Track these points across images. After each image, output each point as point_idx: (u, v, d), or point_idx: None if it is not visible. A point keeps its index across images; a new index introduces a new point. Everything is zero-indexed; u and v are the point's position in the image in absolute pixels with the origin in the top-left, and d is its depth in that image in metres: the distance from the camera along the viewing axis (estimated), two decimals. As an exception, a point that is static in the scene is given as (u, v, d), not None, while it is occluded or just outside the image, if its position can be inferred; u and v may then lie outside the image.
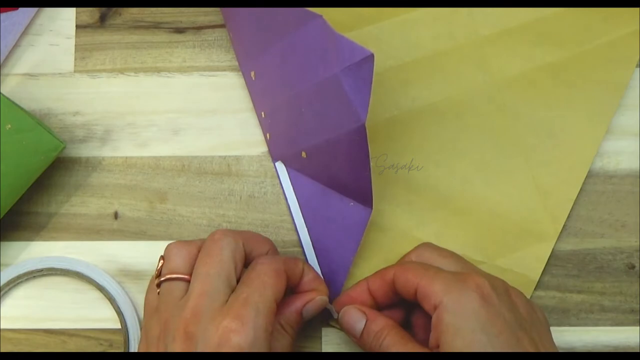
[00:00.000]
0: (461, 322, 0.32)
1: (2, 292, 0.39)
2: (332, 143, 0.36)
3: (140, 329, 0.39)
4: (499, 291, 0.33)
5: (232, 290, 0.33)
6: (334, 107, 0.35)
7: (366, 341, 0.36)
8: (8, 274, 0.39)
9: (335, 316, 0.38)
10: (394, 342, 0.34)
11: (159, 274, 0.35)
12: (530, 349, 0.32)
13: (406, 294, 0.34)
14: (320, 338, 0.39)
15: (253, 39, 0.39)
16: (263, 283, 0.33)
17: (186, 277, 0.34)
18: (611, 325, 0.39)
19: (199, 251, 0.35)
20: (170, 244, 0.35)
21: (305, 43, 0.35)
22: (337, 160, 0.37)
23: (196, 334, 0.31)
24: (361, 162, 0.35)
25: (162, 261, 0.35)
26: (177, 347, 0.31)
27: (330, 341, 0.39)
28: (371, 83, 0.33)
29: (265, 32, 0.38)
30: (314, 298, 0.36)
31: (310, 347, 0.39)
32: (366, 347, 0.35)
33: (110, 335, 0.39)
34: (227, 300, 0.32)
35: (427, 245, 0.38)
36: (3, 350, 0.39)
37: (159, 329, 0.33)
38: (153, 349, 0.33)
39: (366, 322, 0.36)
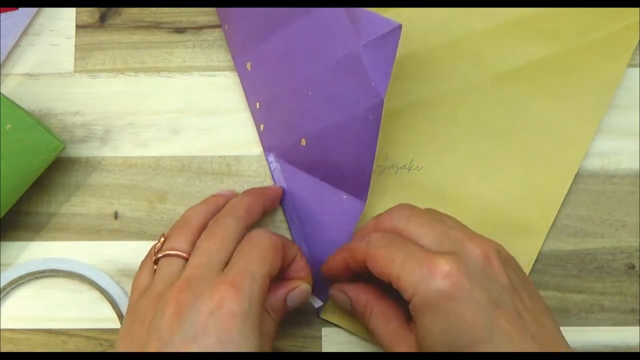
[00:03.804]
0: (430, 323, 0.31)
1: (4, 293, 0.39)
2: (341, 125, 0.36)
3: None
4: (474, 268, 0.31)
5: (223, 265, 0.33)
6: (349, 86, 0.35)
7: (359, 319, 0.37)
8: (10, 275, 0.39)
9: (317, 305, 0.39)
10: (378, 323, 0.35)
11: (157, 250, 0.35)
12: (507, 326, 0.30)
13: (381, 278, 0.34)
14: (320, 338, 0.39)
15: (251, 30, 0.39)
16: (261, 256, 0.32)
17: (185, 255, 0.34)
18: (611, 325, 0.39)
19: (200, 231, 0.35)
20: (174, 225, 0.36)
21: (316, 27, 0.36)
22: (342, 144, 0.37)
23: (187, 303, 0.30)
24: (369, 143, 0.36)
25: (162, 239, 0.35)
26: (167, 314, 0.30)
27: (331, 341, 0.39)
28: (394, 57, 0.33)
29: (265, 21, 0.38)
30: (298, 286, 0.36)
31: (310, 347, 0.39)
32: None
33: (110, 335, 0.39)
34: (220, 271, 0.32)
35: (402, 212, 0.35)
36: (3, 350, 0.39)
37: (148, 302, 0.32)
38: (138, 323, 0.32)
39: (350, 301, 0.36)
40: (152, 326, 0.31)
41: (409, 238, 0.33)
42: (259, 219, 0.37)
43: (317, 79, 0.37)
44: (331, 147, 0.38)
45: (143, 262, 0.36)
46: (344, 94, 0.36)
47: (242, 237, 0.34)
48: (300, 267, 0.36)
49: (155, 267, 0.35)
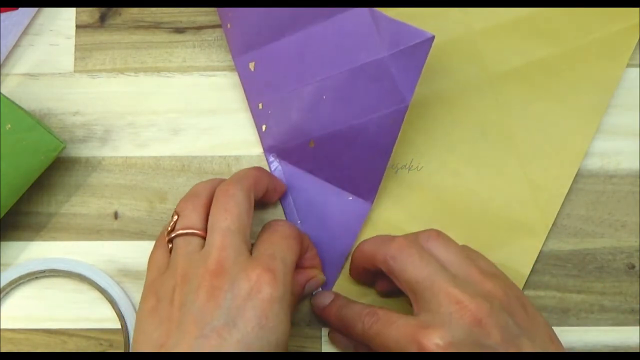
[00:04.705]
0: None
1: (3, 293, 0.39)
2: (356, 129, 0.37)
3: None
4: (471, 329, 0.31)
5: (247, 246, 0.33)
6: (371, 91, 0.36)
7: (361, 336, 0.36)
8: (9, 275, 0.39)
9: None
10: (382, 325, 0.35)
11: (171, 229, 0.34)
12: None
13: None
14: (320, 338, 0.39)
15: (256, 29, 0.39)
16: (287, 245, 0.34)
17: (201, 232, 0.34)
18: (611, 325, 0.39)
19: (209, 203, 0.35)
20: (183, 199, 0.35)
21: (338, 32, 0.36)
22: (355, 147, 0.37)
23: (223, 286, 0.31)
24: (385, 147, 0.37)
25: (175, 217, 0.35)
26: (201, 297, 0.31)
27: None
28: (422, 66, 0.35)
29: (274, 22, 0.38)
30: (316, 276, 0.38)
31: (310, 347, 0.39)
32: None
33: (110, 335, 0.39)
34: (249, 255, 0.32)
35: (401, 253, 0.34)
36: (3, 350, 0.39)
37: (174, 282, 0.32)
38: (166, 303, 0.32)
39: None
40: (185, 308, 0.31)
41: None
42: (262, 195, 0.37)
43: (334, 82, 0.37)
44: (342, 150, 0.38)
45: (158, 241, 0.36)
46: (364, 99, 0.36)
47: (252, 209, 0.34)
48: (312, 256, 0.38)
49: (170, 245, 0.34)
